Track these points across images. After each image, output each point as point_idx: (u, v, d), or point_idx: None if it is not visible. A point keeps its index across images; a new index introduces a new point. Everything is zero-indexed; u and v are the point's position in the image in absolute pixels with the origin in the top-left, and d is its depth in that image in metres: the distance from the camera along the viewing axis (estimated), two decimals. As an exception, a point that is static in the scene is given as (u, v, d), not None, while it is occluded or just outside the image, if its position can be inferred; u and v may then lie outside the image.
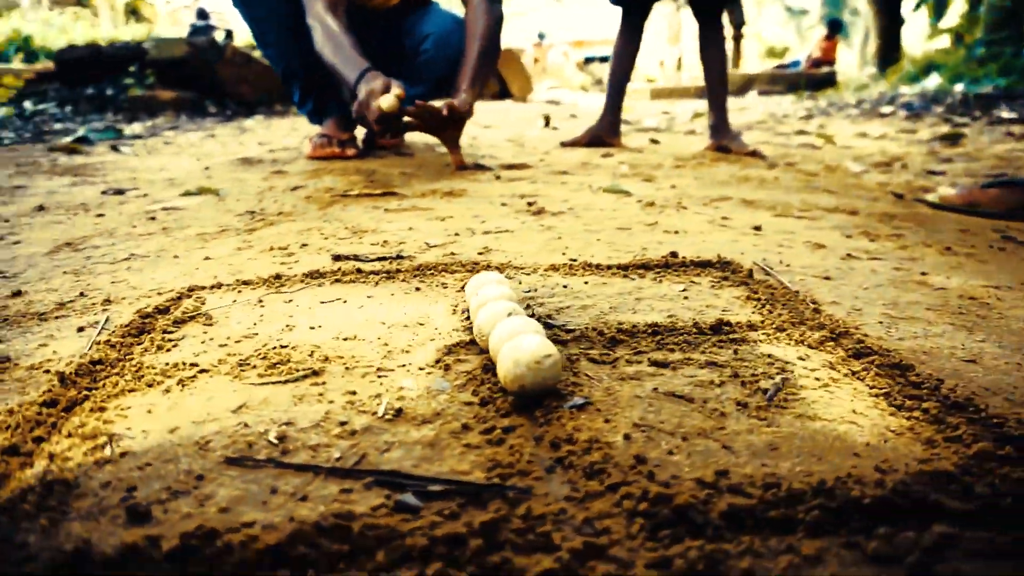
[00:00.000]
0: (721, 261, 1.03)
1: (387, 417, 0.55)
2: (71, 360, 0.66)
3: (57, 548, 0.38)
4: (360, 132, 2.74)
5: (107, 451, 0.49)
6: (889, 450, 0.51)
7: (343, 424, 0.54)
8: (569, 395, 0.58)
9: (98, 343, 0.70)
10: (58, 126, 4.02)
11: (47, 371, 0.64)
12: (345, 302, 0.85)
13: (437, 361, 0.66)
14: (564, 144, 3.01)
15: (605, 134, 2.99)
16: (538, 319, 0.78)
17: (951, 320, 0.80)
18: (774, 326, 0.76)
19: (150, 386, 0.60)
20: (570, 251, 1.10)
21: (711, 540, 0.40)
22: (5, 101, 5.72)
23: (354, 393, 0.59)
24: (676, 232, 1.26)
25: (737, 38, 9.93)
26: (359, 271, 0.97)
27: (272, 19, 2.24)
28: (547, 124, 4.37)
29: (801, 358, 0.67)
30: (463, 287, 0.90)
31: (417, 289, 0.90)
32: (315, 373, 0.63)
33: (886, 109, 5.67)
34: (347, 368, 0.65)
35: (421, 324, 0.77)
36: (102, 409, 0.56)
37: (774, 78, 8.95)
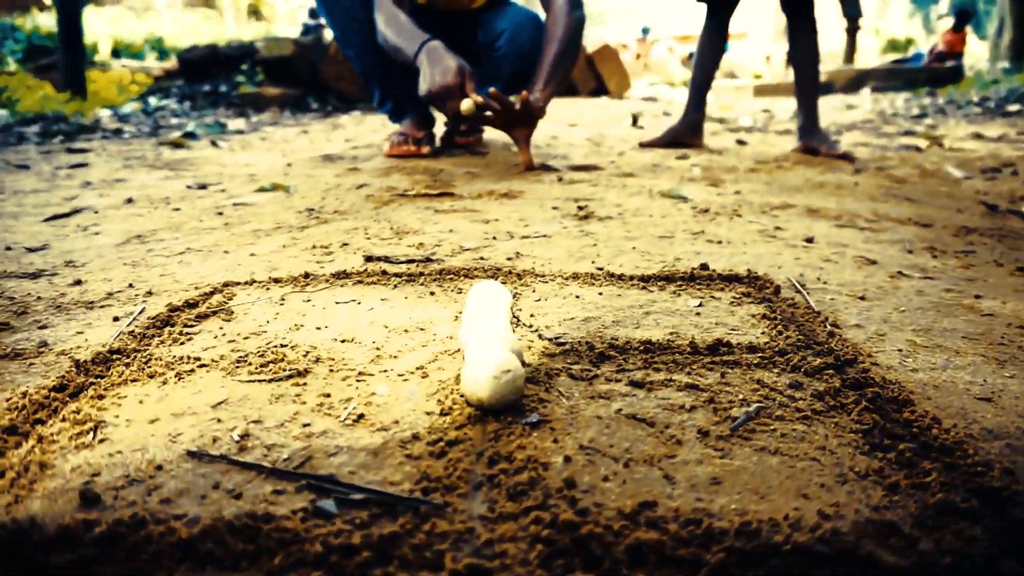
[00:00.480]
0: (751, 276, 0.99)
1: (348, 422, 0.57)
2: (93, 349, 0.73)
3: (6, 523, 0.42)
4: (438, 130, 2.80)
5: (89, 437, 0.54)
6: (844, 494, 0.48)
7: (305, 426, 0.57)
8: (530, 411, 0.59)
9: (125, 333, 0.77)
10: (174, 121, 4.34)
11: (71, 358, 0.70)
12: (359, 304, 0.88)
13: (419, 367, 0.68)
14: (642, 145, 2.96)
15: (686, 134, 2.92)
16: (535, 331, 0.78)
17: (985, 351, 0.74)
18: (777, 349, 0.72)
19: (151, 377, 0.66)
20: (600, 259, 1.09)
21: (604, 573, 0.40)
22: (135, 97, 6.24)
23: (328, 396, 0.62)
24: (720, 242, 1.22)
25: (851, 31, 9.36)
26: (384, 273, 1.00)
27: (352, 22, 2.33)
28: (634, 123, 4.30)
29: (792, 385, 0.64)
30: (475, 293, 0.91)
31: (432, 294, 0.92)
32: (300, 374, 0.67)
33: (1013, 108, 5.21)
34: (331, 370, 0.67)
35: (422, 329, 0.79)
36: (101, 397, 0.61)
37: (890, 73, 8.39)
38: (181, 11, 12.96)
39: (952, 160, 2.57)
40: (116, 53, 10.46)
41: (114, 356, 0.70)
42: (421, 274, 1.00)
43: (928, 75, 8.04)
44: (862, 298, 0.92)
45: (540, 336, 0.76)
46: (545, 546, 0.41)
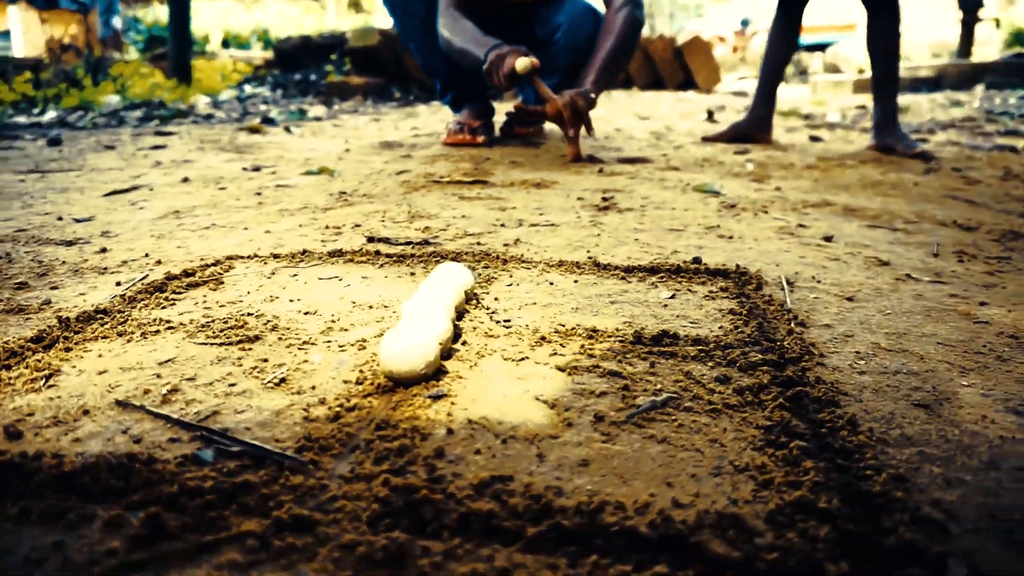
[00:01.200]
0: (738, 271, 0.96)
1: (269, 385, 0.61)
2: (84, 308, 0.80)
3: (-68, 449, 0.49)
4: (497, 120, 2.83)
5: (41, 383, 0.61)
6: (710, 486, 0.48)
7: (231, 386, 0.61)
8: (442, 386, 0.61)
9: (117, 297, 0.84)
10: (262, 107, 4.58)
11: (59, 315, 0.78)
12: (340, 280, 0.92)
13: (361, 340, 0.71)
14: (705, 139, 2.89)
15: (753, 129, 2.82)
16: (489, 313, 0.80)
17: (954, 359, 0.70)
18: (723, 343, 0.71)
19: (120, 336, 0.72)
20: (596, 250, 1.09)
21: (426, 536, 0.41)
22: (233, 85, 6.61)
23: (266, 361, 0.66)
24: (729, 237, 1.19)
25: (969, 23, 8.67)
26: (377, 253, 1.04)
27: (414, 18, 2.40)
28: (710, 117, 4.18)
29: (719, 379, 0.63)
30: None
31: (412, 274, 0.95)
32: (250, 340, 0.71)
33: None
34: (280, 339, 0.72)
35: (385, 306, 0.82)
36: (69, 350, 0.68)
37: (1009, 68, 7.74)
38: (287, 4, 13.58)
39: (1045, 162, 2.37)
40: (225, 44, 11.11)
41: (98, 315, 0.77)
42: (412, 256, 1.03)
43: (1055, 70, 7.36)
44: (850, 299, 0.88)
45: (491, 318, 0.78)
46: (380, 506, 0.43)
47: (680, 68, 8.31)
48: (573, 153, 2.10)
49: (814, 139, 3.03)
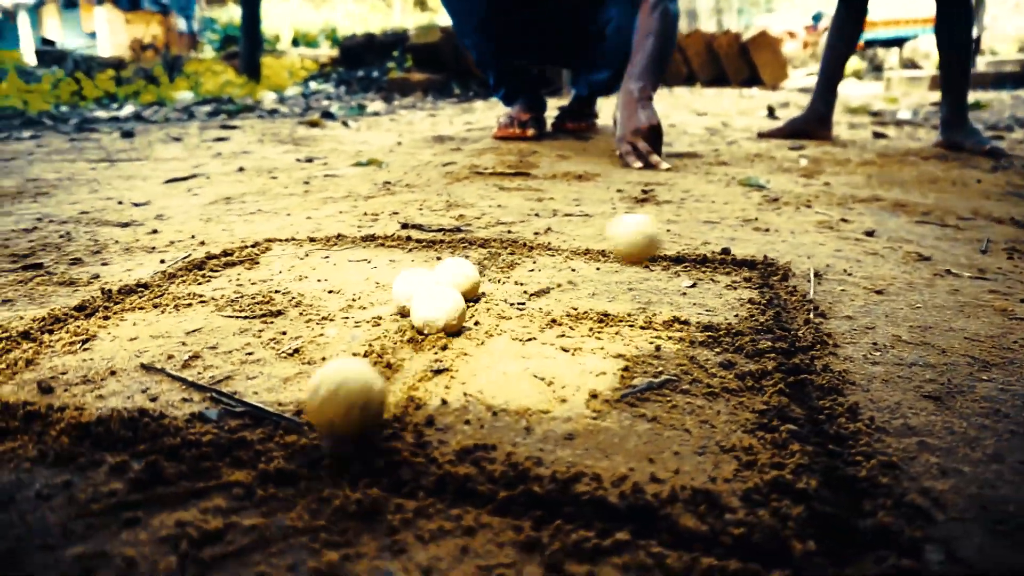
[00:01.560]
0: (765, 262, 0.95)
1: (283, 355, 0.64)
2: (127, 282, 0.85)
3: (-28, 398, 0.53)
4: (550, 114, 2.84)
5: (77, 347, 0.65)
6: (692, 463, 0.48)
7: (248, 354, 0.64)
8: (441, 361, 0.62)
9: (159, 273, 0.89)
10: (324, 103, 4.71)
11: (103, 288, 0.83)
12: (369, 262, 0.95)
13: (377, 318, 0.74)
14: (761, 135, 2.82)
15: (811, 125, 2.74)
16: (505, 297, 0.81)
17: (979, 353, 0.67)
18: (735, 330, 0.70)
19: (155, 307, 0.76)
20: (625, 239, 1.09)
21: (401, 495, 0.43)
22: (300, 82, 6.82)
23: (284, 333, 0.69)
24: (766, 230, 1.17)
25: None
26: (408, 239, 1.07)
27: (471, 14, 2.43)
28: (771, 114, 4.08)
29: (723, 364, 0.63)
30: (475, 260, 0.95)
31: (438, 258, 0.97)
32: (273, 314, 0.75)
33: None
34: (301, 314, 0.75)
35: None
36: (107, 318, 0.73)
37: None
38: (354, 3, 13.90)
39: None
40: (295, 42, 11.46)
41: (138, 289, 0.82)
42: (441, 242, 1.06)
43: None
44: (879, 292, 0.85)
45: (506, 301, 0.79)
46: (363, 465, 0.45)
47: (745, 64, 8.12)
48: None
49: (878, 136, 2.92)
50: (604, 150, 2.22)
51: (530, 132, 2.53)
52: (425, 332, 0.68)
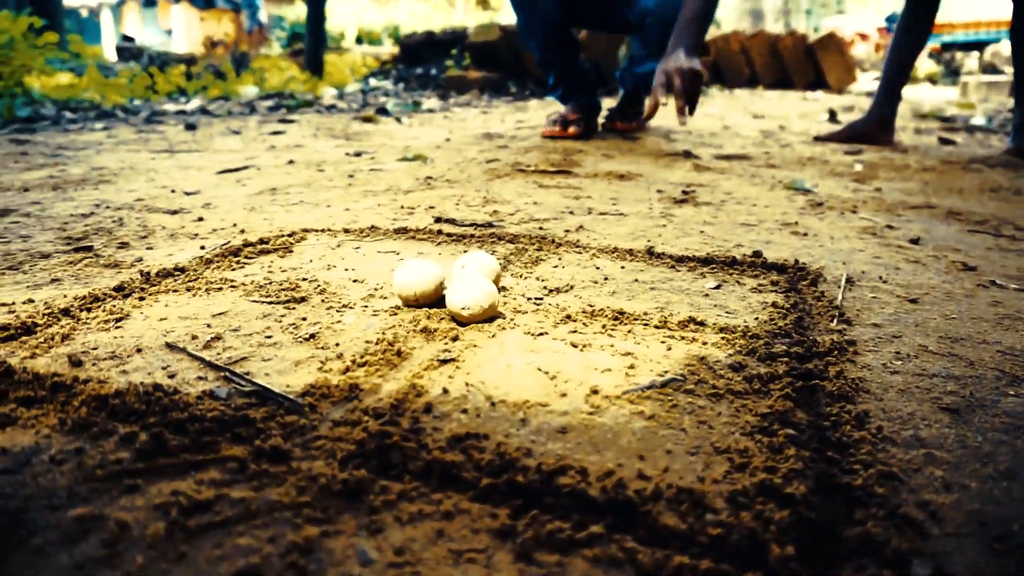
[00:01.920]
0: (796, 266, 0.93)
1: (300, 339, 0.66)
2: (166, 266, 0.89)
3: (9, 364, 0.57)
4: (602, 116, 2.83)
5: (111, 325, 0.69)
6: (683, 462, 0.47)
7: (267, 337, 0.67)
8: (449, 351, 0.63)
9: (196, 258, 0.93)
10: (382, 99, 4.80)
11: (142, 271, 0.87)
12: (397, 254, 0.97)
13: (395, 307, 0.75)
14: (818, 138, 2.74)
15: (871, 129, 2.65)
16: (523, 293, 0.82)
17: (1014, 368, 0.65)
18: (751, 334, 0.69)
19: (188, 291, 0.80)
20: (657, 240, 1.08)
21: (388, 477, 0.44)
22: (360, 78, 6.96)
23: (304, 319, 0.72)
24: (804, 234, 1.14)
25: None
26: (439, 232, 1.08)
27: (537, 14, 2.45)
28: (832, 118, 3.96)
29: (733, 366, 0.62)
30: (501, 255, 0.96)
31: (465, 251, 0.98)
32: (297, 300, 0.77)
33: None
34: (323, 301, 0.77)
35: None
36: (142, 299, 0.76)
37: None
38: (417, 2, 14.10)
39: None
40: (359, 40, 11.70)
41: (175, 272, 0.86)
42: (472, 236, 1.07)
43: None
44: (913, 301, 0.82)
45: (524, 295, 0.80)
46: (355, 447, 0.47)
47: (810, 66, 7.89)
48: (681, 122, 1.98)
49: (944, 142, 2.80)
50: (651, 150, 2.20)
51: (574, 130, 2.52)
52: (464, 316, 0.70)
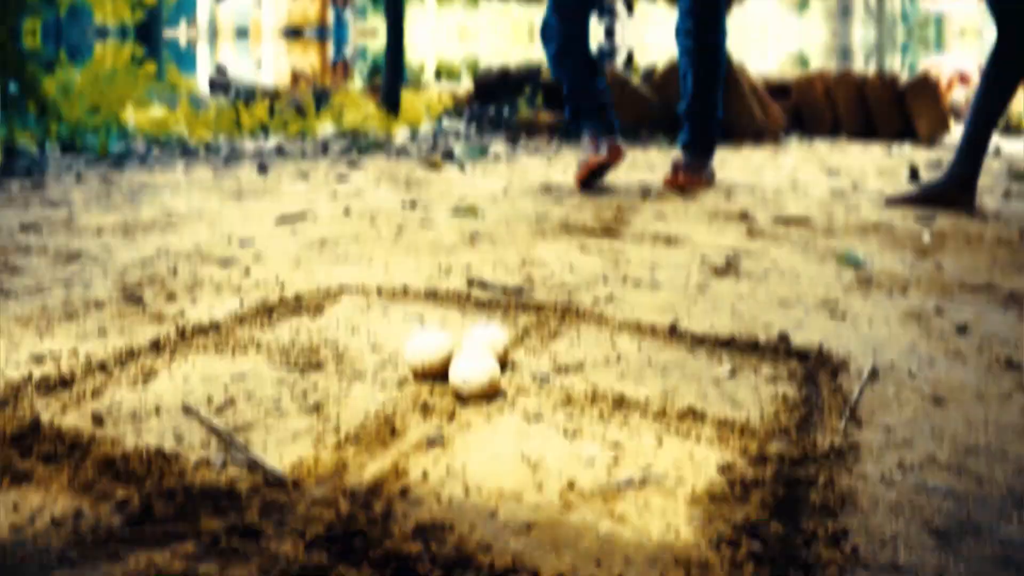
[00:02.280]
0: (820, 355, 0.91)
1: (306, 408, 0.70)
2: (202, 322, 0.95)
3: (40, 420, 0.62)
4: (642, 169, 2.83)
5: (139, 382, 0.74)
6: (639, 571, 0.47)
7: (276, 405, 0.71)
8: (441, 432, 0.65)
9: (230, 315, 0.99)
10: (452, 141, 4.95)
11: (178, 326, 0.93)
12: (420, 320, 1.00)
13: (404, 378, 0.78)
14: (889, 201, 2.64)
15: (950, 191, 2.49)
16: (532, 371, 0.83)
17: (1020, 486, 0.61)
18: (750, 430, 0.68)
19: (217, 350, 0.85)
20: (683, 314, 1.08)
21: (347, 563, 0.46)
22: (435, 116, 7.19)
23: (316, 387, 0.75)
24: (842, 317, 1.11)
25: None
26: (468, 297, 1.11)
27: (568, 58, 2.57)
28: (912, 176, 3.81)
29: (721, 466, 0.61)
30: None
31: (488, 319, 1.01)
32: (313, 366, 0.81)
33: None
34: (337, 368, 0.81)
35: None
36: (172, 357, 0.82)
37: None
38: (496, 34, 14.50)
39: None
40: (437, 74, 12.11)
41: (209, 329, 0.92)
42: (496, 303, 1.09)
43: None
44: (938, 400, 0.79)
45: (532, 373, 0.81)
46: (323, 530, 0.49)
47: (898, 114, 7.63)
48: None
49: (1029, 207, 2.66)
50: (707, 209, 2.18)
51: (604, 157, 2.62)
52: (464, 391, 0.72)
